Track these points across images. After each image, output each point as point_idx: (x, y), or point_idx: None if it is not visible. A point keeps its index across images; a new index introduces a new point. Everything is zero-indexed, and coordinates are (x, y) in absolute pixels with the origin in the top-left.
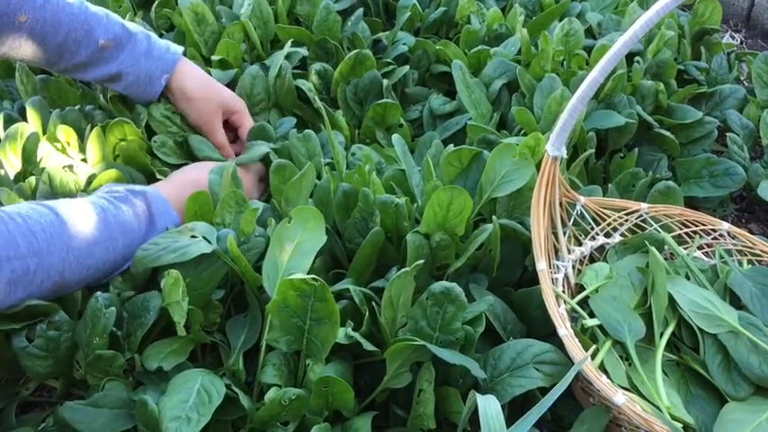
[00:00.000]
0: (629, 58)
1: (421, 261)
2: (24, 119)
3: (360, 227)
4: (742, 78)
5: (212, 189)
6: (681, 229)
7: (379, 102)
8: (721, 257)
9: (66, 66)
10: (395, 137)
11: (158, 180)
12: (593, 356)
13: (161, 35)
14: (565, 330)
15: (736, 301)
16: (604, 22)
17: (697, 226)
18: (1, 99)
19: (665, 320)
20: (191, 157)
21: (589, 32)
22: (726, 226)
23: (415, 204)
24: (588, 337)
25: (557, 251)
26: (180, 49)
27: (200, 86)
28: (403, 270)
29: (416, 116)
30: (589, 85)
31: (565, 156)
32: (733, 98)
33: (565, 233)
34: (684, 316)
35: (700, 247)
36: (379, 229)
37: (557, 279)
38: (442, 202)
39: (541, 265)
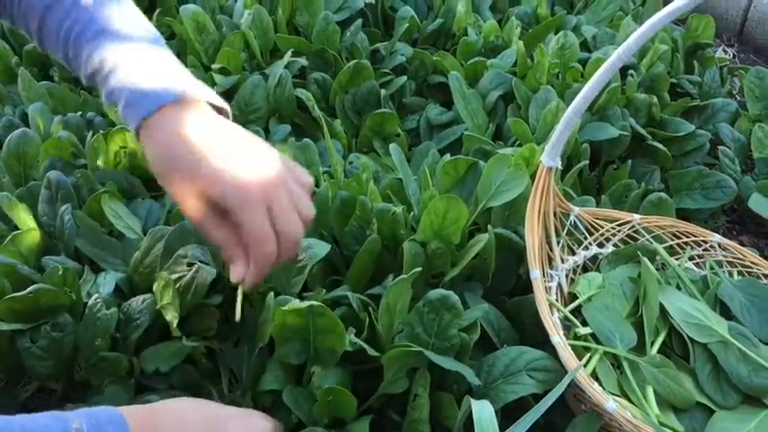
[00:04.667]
0: (623, 71)
1: (418, 269)
2: (26, 125)
3: (357, 234)
4: (734, 92)
5: None
6: (672, 240)
7: (377, 111)
8: (712, 268)
9: None
10: (392, 146)
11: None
12: (585, 364)
13: None
14: (558, 338)
15: (726, 312)
16: (599, 35)
17: (688, 237)
18: (3, 105)
19: (656, 329)
20: None
21: (584, 45)
22: (717, 238)
23: (412, 213)
24: (581, 346)
25: (550, 260)
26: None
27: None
28: (400, 277)
29: (413, 126)
30: (584, 97)
31: (559, 167)
32: (725, 112)
33: (558, 243)
34: (675, 325)
35: (691, 258)
36: (377, 236)
37: (550, 288)
38: (439, 211)
39: (535, 274)
